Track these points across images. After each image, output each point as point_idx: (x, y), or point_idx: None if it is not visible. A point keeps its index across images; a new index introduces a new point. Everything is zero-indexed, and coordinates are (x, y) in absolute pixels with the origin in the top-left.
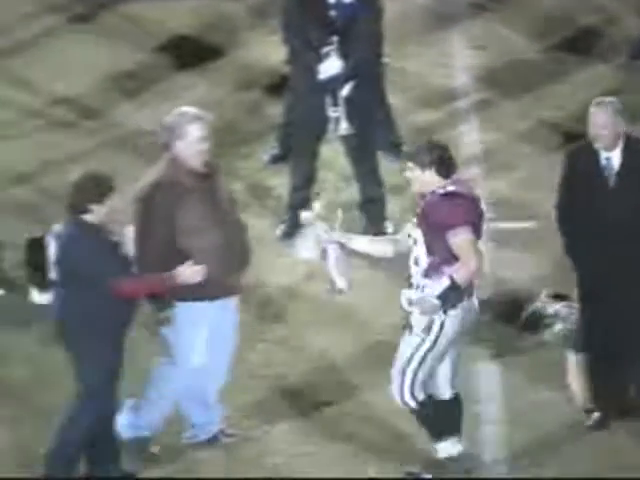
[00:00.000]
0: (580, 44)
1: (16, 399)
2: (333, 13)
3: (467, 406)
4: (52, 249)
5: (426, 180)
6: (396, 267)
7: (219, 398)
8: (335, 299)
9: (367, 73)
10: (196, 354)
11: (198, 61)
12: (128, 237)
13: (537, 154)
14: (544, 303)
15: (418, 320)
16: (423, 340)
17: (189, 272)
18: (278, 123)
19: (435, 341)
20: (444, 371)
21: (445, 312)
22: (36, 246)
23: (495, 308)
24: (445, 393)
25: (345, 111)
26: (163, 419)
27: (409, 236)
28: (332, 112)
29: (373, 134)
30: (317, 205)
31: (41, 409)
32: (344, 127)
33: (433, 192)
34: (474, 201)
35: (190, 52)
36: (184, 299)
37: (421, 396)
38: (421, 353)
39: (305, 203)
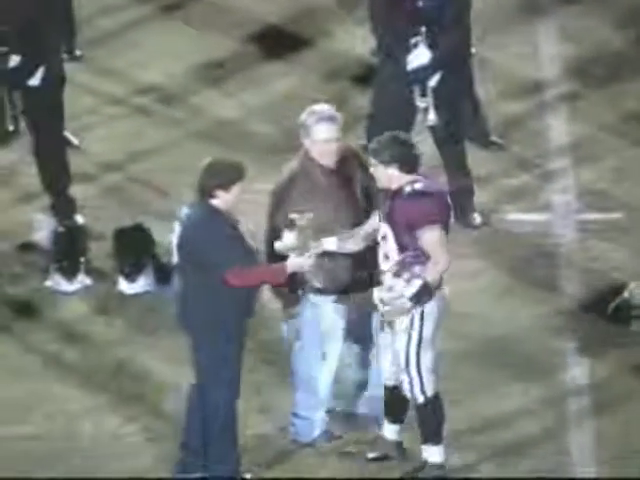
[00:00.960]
0: None
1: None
2: (421, 3)
3: (555, 400)
4: (176, 233)
5: (390, 176)
6: None
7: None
8: None
9: (455, 63)
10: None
11: (285, 51)
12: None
13: (624, 145)
14: (632, 294)
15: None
16: (410, 336)
17: (297, 262)
18: (365, 114)
19: (421, 332)
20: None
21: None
22: (124, 236)
23: (582, 300)
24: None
25: (433, 102)
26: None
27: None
28: (420, 102)
29: (461, 125)
30: (290, 235)
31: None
32: (432, 118)
33: (401, 190)
34: (442, 197)
35: (278, 42)
36: (312, 292)
37: (430, 392)
38: (414, 349)
39: None
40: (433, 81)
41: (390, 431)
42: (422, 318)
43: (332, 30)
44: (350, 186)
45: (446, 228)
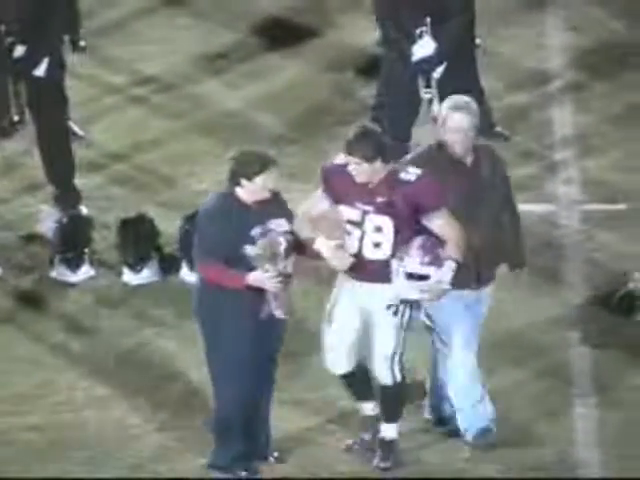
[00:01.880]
0: None
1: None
2: None
3: (561, 389)
4: None
5: (375, 171)
6: None
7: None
8: None
9: (460, 55)
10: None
11: (288, 42)
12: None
13: (629, 137)
14: (636, 284)
15: (386, 304)
16: (399, 322)
17: (260, 278)
18: (370, 105)
19: (404, 317)
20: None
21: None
22: (129, 226)
23: (587, 290)
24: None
25: (438, 93)
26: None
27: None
28: (425, 94)
29: None
30: (260, 242)
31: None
32: (436, 109)
33: (395, 179)
34: (432, 176)
35: (280, 33)
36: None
37: (399, 375)
38: (402, 334)
39: None
40: (437, 72)
41: (368, 409)
42: (407, 305)
43: (336, 21)
44: (476, 182)
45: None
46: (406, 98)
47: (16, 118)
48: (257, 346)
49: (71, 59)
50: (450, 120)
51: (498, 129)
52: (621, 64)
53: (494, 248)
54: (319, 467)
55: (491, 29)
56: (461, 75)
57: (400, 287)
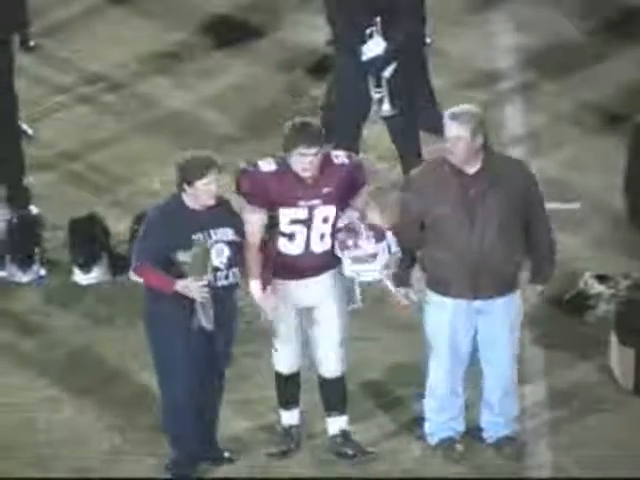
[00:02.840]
0: (624, 26)
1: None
2: None
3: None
4: None
5: (320, 159)
6: None
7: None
8: None
9: (410, 54)
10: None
11: (240, 41)
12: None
13: (581, 136)
14: (587, 284)
15: (340, 290)
16: (347, 309)
17: (187, 285)
18: (319, 105)
19: (349, 302)
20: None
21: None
22: (79, 226)
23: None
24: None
25: (388, 92)
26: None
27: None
28: (375, 93)
29: (416, 116)
30: (192, 251)
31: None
32: (387, 108)
33: (331, 164)
34: None
35: (232, 32)
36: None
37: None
38: (349, 321)
39: None
40: (387, 72)
41: (293, 417)
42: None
43: (285, 20)
44: (476, 194)
45: None
46: (356, 97)
47: None
48: (198, 347)
49: (20, 58)
50: (447, 129)
51: None
52: (570, 63)
53: (499, 258)
54: (270, 467)
55: (442, 28)
56: (411, 74)
57: (353, 271)
